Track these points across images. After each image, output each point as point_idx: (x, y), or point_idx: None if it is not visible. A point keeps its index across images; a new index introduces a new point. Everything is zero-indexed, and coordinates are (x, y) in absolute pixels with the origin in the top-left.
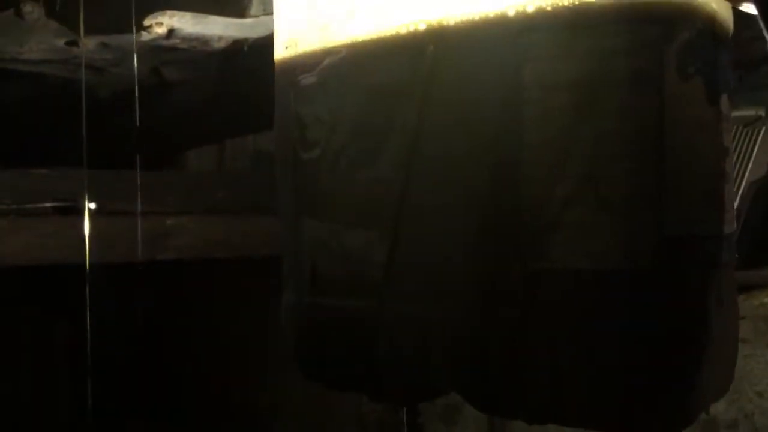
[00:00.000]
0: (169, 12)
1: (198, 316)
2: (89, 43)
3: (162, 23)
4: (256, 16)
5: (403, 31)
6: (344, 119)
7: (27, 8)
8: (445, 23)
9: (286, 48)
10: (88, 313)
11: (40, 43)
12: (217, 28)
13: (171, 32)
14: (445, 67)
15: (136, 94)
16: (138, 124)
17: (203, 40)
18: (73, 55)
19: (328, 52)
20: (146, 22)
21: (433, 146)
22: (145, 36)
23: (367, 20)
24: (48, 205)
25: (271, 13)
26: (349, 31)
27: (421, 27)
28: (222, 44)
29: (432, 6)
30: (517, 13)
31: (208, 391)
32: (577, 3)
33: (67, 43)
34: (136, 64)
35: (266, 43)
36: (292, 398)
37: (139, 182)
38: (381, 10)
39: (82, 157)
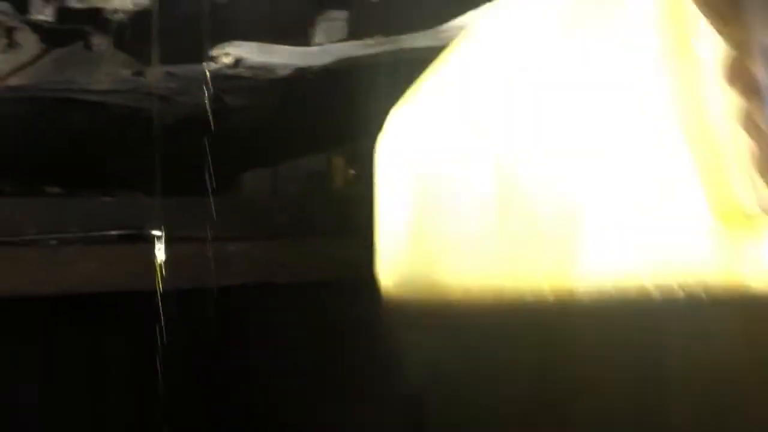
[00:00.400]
0: (236, 42)
1: (263, 342)
2: (156, 73)
3: (229, 53)
4: (320, 44)
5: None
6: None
7: (95, 40)
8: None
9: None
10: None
11: (108, 74)
12: (282, 56)
13: (237, 62)
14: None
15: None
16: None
17: (268, 69)
18: (140, 85)
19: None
20: (213, 53)
21: None
22: (211, 66)
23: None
24: (115, 233)
25: (336, 41)
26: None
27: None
28: (286, 72)
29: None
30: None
31: (277, 419)
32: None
33: (135, 73)
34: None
35: (330, 69)
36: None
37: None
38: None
39: (148, 184)
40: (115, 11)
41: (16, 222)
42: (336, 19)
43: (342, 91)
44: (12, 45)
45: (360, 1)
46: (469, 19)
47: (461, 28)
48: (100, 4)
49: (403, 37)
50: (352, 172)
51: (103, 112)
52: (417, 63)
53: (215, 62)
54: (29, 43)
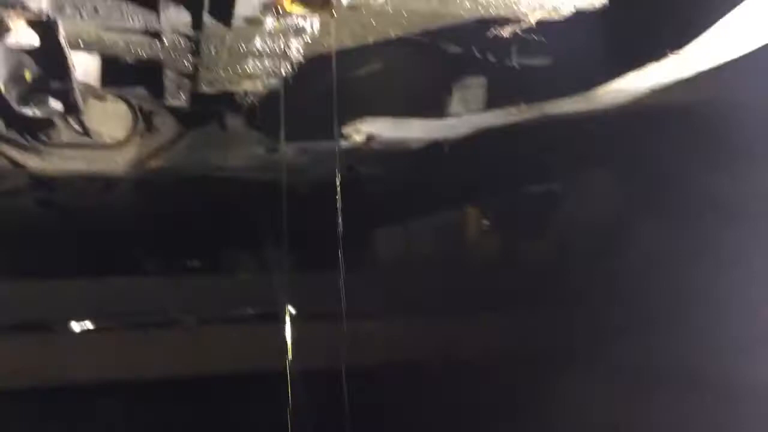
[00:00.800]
0: (369, 119)
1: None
2: (289, 150)
3: (361, 130)
4: (457, 115)
5: None
6: None
7: (229, 121)
8: None
9: None
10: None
11: (241, 151)
12: (417, 130)
13: (370, 138)
14: None
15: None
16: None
17: (401, 142)
18: (273, 161)
19: None
20: (345, 131)
21: None
22: (342, 144)
23: None
24: (251, 312)
25: (473, 110)
26: None
27: None
28: (420, 144)
29: None
30: None
31: None
32: None
33: (269, 150)
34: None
35: (468, 139)
36: None
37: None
38: None
39: (280, 258)
40: (246, 94)
41: (159, 301)
42: (473, 87)
43: (480, 159)
44: (150, 129)
45: (499, 68)
46: (624, 82)
47: (616, 91)
48: (231, 89)
49: (548, 103)
50: (486, 222)
51: (238, 188)
52: (563, 127)
53: (347, 140)
54: (167, 126)
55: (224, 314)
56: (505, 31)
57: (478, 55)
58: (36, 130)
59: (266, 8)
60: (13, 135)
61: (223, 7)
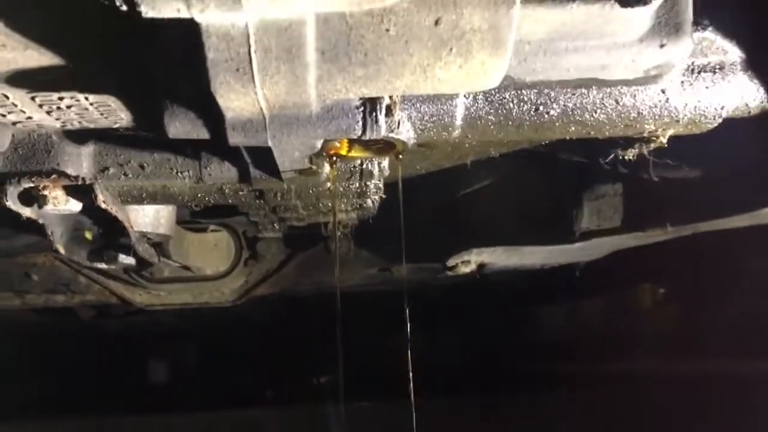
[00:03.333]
0: (476, 250)
1: None
2: (402, 270)
3: (469, 261)
4: (586, 239)
5: None
6: None
7: (331, 245)
8: None
9: None
10: None
11: (352, 272)
12: (537, 257)
13: (481, 267)
14: None
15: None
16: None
17: (518, 270)
18: (384, 280)
19: None
20: (450, 263)
21: None
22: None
23: None
24: None
25: (606, 230)
26: None
27: None
28: (546, 269)
29: None
30: None
31: None
32: None
33: (381, 270)
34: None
35: (600, 263)
36: None
37: None
38: None
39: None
40: (339, 223)
41: None
42: (608, 195)
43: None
44: (256, 256)
45: (637, 184)
46: None
47: None
48: (324, 220)
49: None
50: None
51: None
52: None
53: (454, 271)
54: (272, 252)
55: None
56: (629, 154)
57: (606, 166)
58: (138, 269)
59: (318, 157)
60: (119, 272)
61: (267, 160)
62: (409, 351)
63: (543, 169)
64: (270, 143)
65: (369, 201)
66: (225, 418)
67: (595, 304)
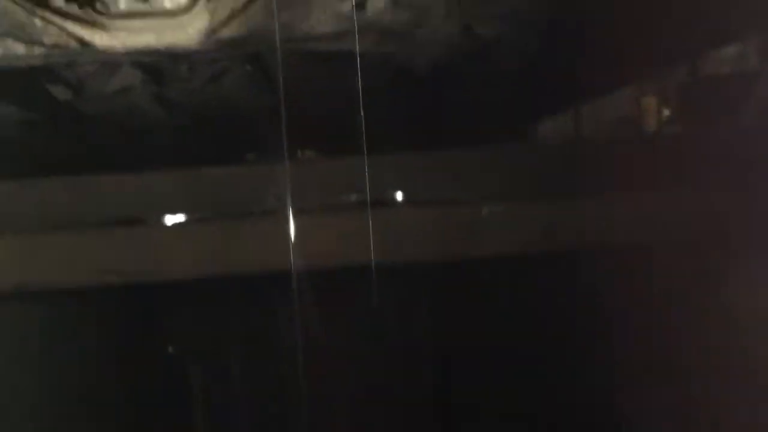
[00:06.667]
0: None
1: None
2: (378, 5)
3: None
4: None
5: None
6: None
7: None
8: None
9: None
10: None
11: (326, 15)
12: None
13: None
14: None
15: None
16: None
17: None
18: (363, 21)
19: None
20: None
21: None
22: None
23: None
24: (353, 199)
25: None
26: None
27: None
28: None
29: None
30: None
31: None
32: None
33: (356, 6)
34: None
35: None
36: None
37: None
38: None
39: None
40: None
41: (259, 191)
42: None
43: None
44: None
45: None
46: None
47: None
48: None
49: None
50: (666, 113)
51: (328, 61)
52: None
53: None
54: None
55: (323, 204)
56: None
57: None
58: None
59: None
60: (73, 9)
61: None
62: None
63: None
64: None
65: None
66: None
67: None
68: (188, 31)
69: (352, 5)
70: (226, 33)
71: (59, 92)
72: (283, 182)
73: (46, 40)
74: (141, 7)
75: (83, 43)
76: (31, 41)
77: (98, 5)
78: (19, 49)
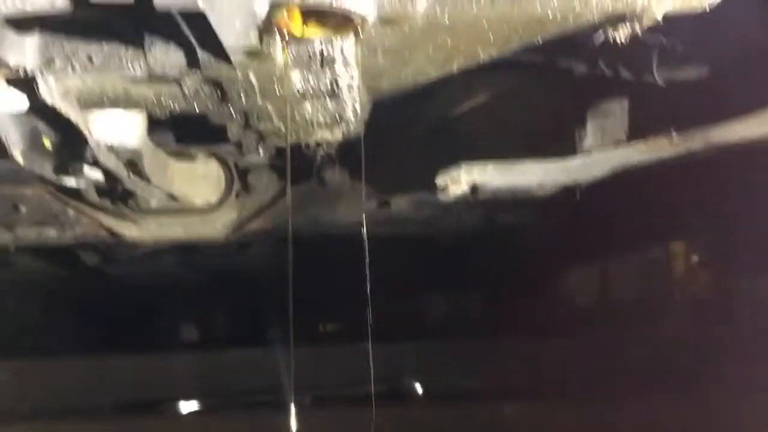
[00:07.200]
0: (465, 166)
1: None
2: (401, 203)
3: (459, 181)
4: (589, 151)
5: None
6: None
7: (327, 175)
8: None
9: None
10: None
11: (348, 206)
12: (534, 174)
13: (475, 189)
14: None
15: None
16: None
17: (522, 190)
18: (385, 215)
19: None
20: (440, 182)
21: None
22: (443, 197)
23: None
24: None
25: (610, 144)
26: None
27: None
28: (546, 191)
29: None
30: None
31: None
32: None
33: (379, 204)
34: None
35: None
36: None
37: None
38: None
39: None
40: (322, 144)
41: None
42: (611, 115)
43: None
44: (247, 188)
45: (639, 87)
46: None
47: None
48: (308, 140)
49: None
50: (695, 259)
51: (348, 245)
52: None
53: (446, 193)
54: (263, 184)
55: (346, 392)
56: (621, 34)
57: (606, 70)
58: (123, 198)
59: (266, 33)
60: (105, 203)
61: (210, 36)
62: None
63: (542, 84)
64: (200, 4)
65: (347, 110)
66: (228, 356)
67: None
68: (216, 225)
69: (377, 204)
70: (252, 227)
71: (88, 258)
72: (288, 373)
73: (78, 229)
74: (172, 205)
75: (113, 234)
76: (63, 228)
77: (130, 202)
78: (52, 233)
